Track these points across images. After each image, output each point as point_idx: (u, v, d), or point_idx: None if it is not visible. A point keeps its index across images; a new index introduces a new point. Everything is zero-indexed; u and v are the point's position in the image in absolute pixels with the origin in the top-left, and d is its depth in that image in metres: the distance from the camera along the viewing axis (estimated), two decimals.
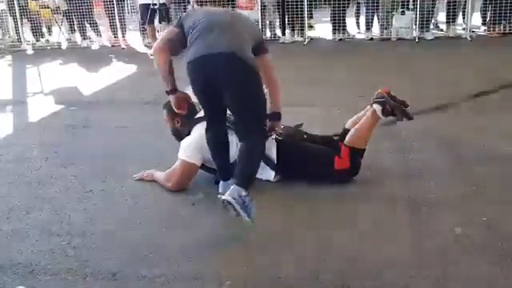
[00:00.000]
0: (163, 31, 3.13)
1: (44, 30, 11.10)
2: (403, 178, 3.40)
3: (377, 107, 3.30)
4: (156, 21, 8.76)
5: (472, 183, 3.26)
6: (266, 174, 3.40)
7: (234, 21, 3.12)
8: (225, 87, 2.89)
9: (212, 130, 3.13)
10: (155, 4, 8.37)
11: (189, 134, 3.45)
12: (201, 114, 3.40)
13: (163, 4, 8.73)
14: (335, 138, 3.52)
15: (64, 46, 10.61)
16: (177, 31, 3.11)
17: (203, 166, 3.40)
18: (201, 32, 2.96)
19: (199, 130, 3.34)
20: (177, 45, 3.11)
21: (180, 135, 3.49)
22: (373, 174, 3.39)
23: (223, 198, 2.76)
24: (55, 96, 6.44)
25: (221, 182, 3.22)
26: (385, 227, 2.82)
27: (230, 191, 2.76)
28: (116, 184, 3.53)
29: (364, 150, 3.36)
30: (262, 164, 3.26)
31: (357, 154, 3.33)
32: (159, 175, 3.46)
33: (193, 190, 3.36)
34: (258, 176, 3.31)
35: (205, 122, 3.23)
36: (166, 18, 8.59)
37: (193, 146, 3.33)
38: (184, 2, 9.52)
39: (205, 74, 2.89)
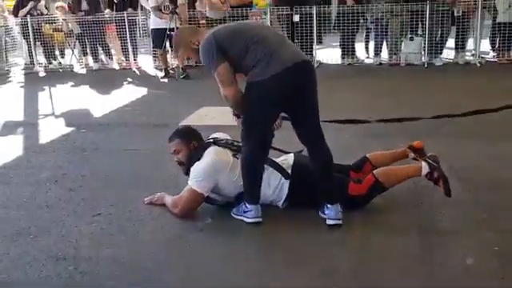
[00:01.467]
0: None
1: (57, 52, 11.26)
2: (414, 206, 3.37)
3: (425, 167, 3.21)
4: (168, 45, 8.86)
5: (483, 211, 3.23)
6: (278, 199, 3.38)
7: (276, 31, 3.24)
8: (309, 93, 3.08)
9: (263, 152, 3.17)
10: (172, 29, 8.46)
11: (199, 159, 3.39)
12: (208, 139, 3.48)
13: (177, 28, 8.82)
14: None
15: (76, 68, 10.73)
16: (227, 64, 3.00)
17: (208, 198, 3.36)
18: (268, 45, 2.99)
19: (212, 155, 3.33)
20: (234, 75, 3.09)
21: (191, 162, 3.39)
22: (384, 202, 3.35)
23: (333, 223, 3.09)
24: (66, 118, 6.49)
25: (252, 206, 3.19)
26: (396, 257, 2.78)
27: (335, 214, 3.09)
28: (124, 208, 3.52)
29: (387, 189, 3.31)
30: (277, 191, 3.32)
31: (378, 188, 3.28)
32: (168, 199, 3.45)
33: (201, 214, 3.34)
34: (267, 202, 3.32)
35: (216, 146, 3.32)
36: None
37: (206, 172, 3.26)
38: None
39: (294, 82, 2.99)
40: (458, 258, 2.72)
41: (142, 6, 9.95)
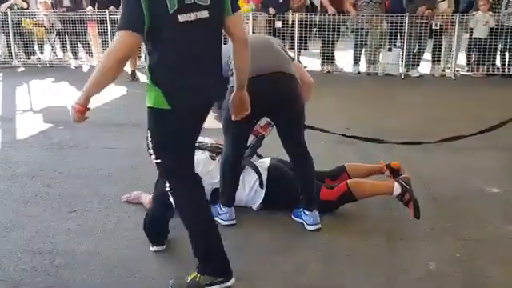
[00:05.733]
0: None
1: (36, 47, 11.18)
2: (383, 212, 3.49)
3: (397, 188, 3.28)
4: None
5: (448, 220, 3.37)
6: (252, 201, 3.48)
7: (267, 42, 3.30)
8: (286, 105, 3.11)
9: (239, 157, 3.26)
10: None
11: None
12: None
13: None
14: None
15: (54, 64, 10.69)
16: None
17: None
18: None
19: None
20: None
21: None
22: (354, 207, 3.47)
23: (314, 228, 3.19)
24: (44, 114, 6.49)
25: (225, 209, 3.28)
26: (362, 260, 2.89)
27: (314, 220, 3.21)
28: (101, 205, 3.58)
29: (356, 200, 3.41)
30: (252, 193, 3.40)
31: (348, 198, 3.39)
32: (145, 198, 3.52)
33: (176, 216, 3.40)
34: (242, 204, 3.41)
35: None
36: None
37: None
38: None
39: (264, 92, 2.96)
40: (421, 264, 2.85)
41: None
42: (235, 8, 2.47)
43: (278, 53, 3.17)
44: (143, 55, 8.92)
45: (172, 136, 2.46)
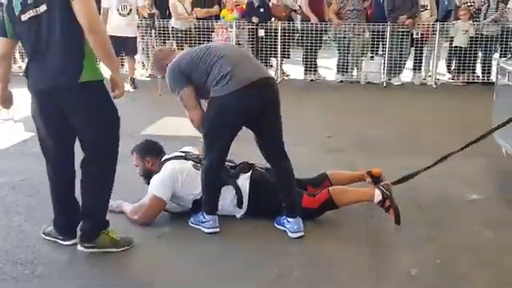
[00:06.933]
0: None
1: (17, 56, 11.08)
2: (365, 219, 3.52)
3: (378, 195, 3.32)
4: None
5: (428, 226, 3.41)
6: (235, 210, 3.49)
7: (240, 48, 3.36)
8: (271, 110, 3.20)
9: (222, 166, 3.31)
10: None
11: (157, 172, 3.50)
12: (168, 156, 3.60)
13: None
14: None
15: None
16: (191, 89, 3.18)
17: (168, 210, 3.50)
18: (229, 63, 3.10)
19: (170, 167, 3.44)
20: (198, 99, 3.24)
21: (150, 176, 3.52)
22: (337, 214, 3.49)
23: (297, 235, 3.19)
24: (25, 123, 6.41)
25: (208, 217, 3.29)
26: (345, 267, 2.92)
27: (297, 227, 3.21)
28: None
29: (337, 208, 3.43)
30: (233, 204, 3.43)
31: (330, 205, 3.41)
32: (127, 207, 3.51)
33: (159, 223, 3.41)
34: (224, 213, 3.41)
35: (174, 160, 3.50)
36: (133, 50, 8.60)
37: (165, 181, 3.39)
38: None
39: (254, 99, 3.09)
40: (402, 270, 2.88)
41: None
42: None
43: (256, 60, 3.37)
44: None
45: (35, 117, 2.95)
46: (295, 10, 9.85)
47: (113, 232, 3.01)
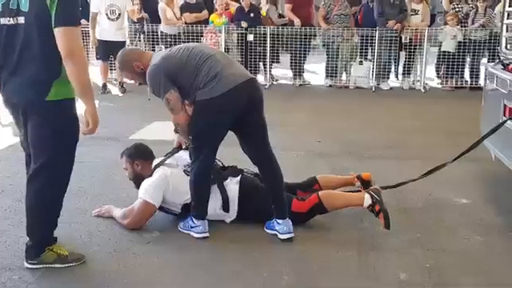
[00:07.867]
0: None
1: None
2: (355, 223, 3.53)
3: (367, 199, 3.32)
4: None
5: (417, 230, 3.43)
6: (224, 215, 3.48)
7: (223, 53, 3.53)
8: (257, 111, 3.23)
9: (210, 166, 3.27)
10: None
11: (150, 176, 3.48)
12: (159, 160, 3.57)
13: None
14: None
15: None
16: (175, 91, 3.13)
17: (162, 208, 3.46)
18: (216, 66, 3.11)
19: (161, 172, 3.43)
20: (182, 102, 3.20)
21: (139, 180, 3.50)
22: (326, 219, 3.50)
23: (287, 237, 3.20)
24: (13, 128, 6.36)
25: (198, 222, 3.27)
26: (335, 271, 2.93)
27: (287, 228, 3.21)
28: (71, 220, 3.52)
29: (327, 212, 3.44)
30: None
31: (320, 209, 3.41)
32: (117, 212, 3.49)
33: (149, 228, 3.40)
34: (213, 218, 3.41)
35: (165, 166, 3.48)
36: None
37: (155, 186, 3.38)
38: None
39: (241, 100, 3.12)
40: (392, 274, 2.89)
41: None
42: (56, 23, 2.57)
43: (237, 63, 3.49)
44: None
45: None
46: (285, 24, 9.85)
47: (59, 247, 2.91)
